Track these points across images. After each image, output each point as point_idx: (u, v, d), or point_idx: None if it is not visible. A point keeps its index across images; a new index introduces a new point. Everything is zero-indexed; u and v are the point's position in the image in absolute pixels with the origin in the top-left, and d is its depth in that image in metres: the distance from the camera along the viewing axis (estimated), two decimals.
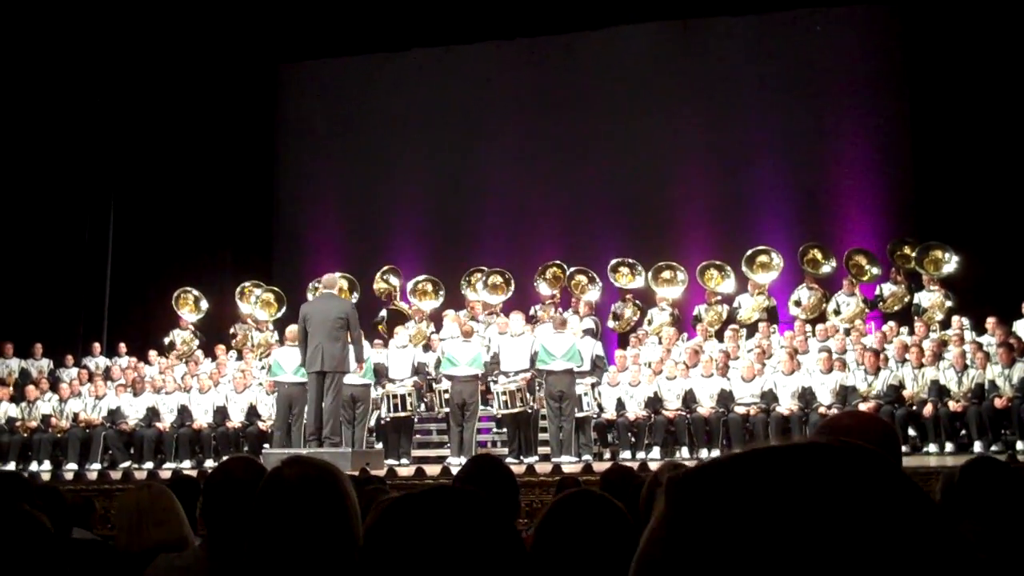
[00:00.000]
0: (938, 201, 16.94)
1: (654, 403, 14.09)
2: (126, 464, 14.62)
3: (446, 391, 14.20)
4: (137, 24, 18.22)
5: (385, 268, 17.49)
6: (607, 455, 14.04)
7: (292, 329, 14.56)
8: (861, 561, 0.87)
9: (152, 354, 17.03)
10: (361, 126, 19.90)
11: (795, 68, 18.43)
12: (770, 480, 0.92)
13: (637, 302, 16.66)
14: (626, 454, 13.72)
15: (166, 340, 17.53)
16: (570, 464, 12.33)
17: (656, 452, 13.72)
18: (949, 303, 15.09)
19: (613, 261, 16.77)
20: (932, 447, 12.76)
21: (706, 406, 13.88)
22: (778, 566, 0.88)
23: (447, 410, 14.17)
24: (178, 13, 18.20)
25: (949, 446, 12.70)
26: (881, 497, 0.91)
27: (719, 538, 0.91)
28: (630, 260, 16.80)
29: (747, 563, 0.89)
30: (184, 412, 15.34)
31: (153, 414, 15.42)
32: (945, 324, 14.85)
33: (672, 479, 0.98)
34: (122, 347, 17.55)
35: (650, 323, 16.27)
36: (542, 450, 13.94)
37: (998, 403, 12.47)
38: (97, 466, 14.53)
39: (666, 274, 16.59)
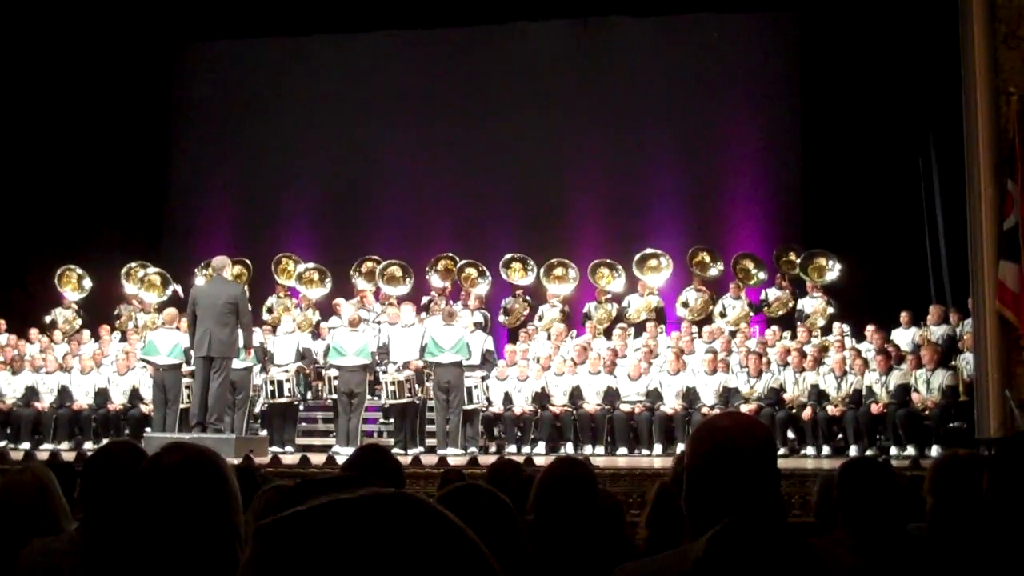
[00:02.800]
0: (824, 209, 17.31)
1: (541, 398, 14.19)
2: (1, 444, 14.26)
3: (336, 379, 14.12)
4: None
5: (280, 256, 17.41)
6: (492, 448, 14.11)
7: (170, 312, 14.38)
8: None
9: (33, 332, 16.62)
10: (258, 110, 19.64)
11: (692, 72, 18.64)
12: (336, 532, 1.06)
13: (527, 297, 16.74)
14: (511, 448, 13.80)
15: (47, 318, 17.12)
16: (456, 457, 12.36)
17: (541, 447, 13.80)
18: (831, 310, 15.45)
19: (506, 256, 16.84)
20: (810, 450, 13.07)
21: (592, 403, 14.00)
22: None
23: (335, 397, 14.10)
24: None
25: (826, 449, 13.04)
26: (428, 543, 1.07)
27: None
28: (522, 256, 16.89)
29: None
30: (64, 392, 15.03)
31: (32, 393, 15.08)
32: (826, 330, 15.20)
33: (259, 527, 1.11)
34: (1, 324, 17.05)
35: (540, 319, 16.36)
36: (428, 442, 13.94)
37: (874, 409, 12.80)
38: None
39: (558, 271, 16.70)
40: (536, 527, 3.43)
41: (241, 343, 12.51)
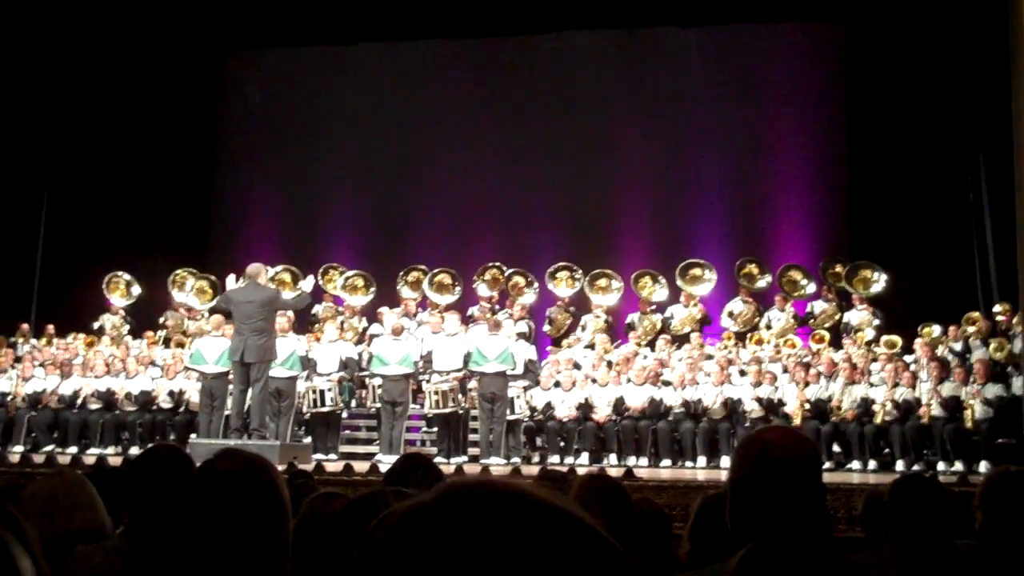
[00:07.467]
0: (871, 221, 17.18)
1: (584, 408, 14.14)
2: (49, 448, 14.39)
3: (379, 387, 14.16)
4: (80, 8, 17.89)
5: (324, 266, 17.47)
6: (536, 459, 14.08)
7: (216, 318, 14.44)
8: None
9: (81, 337, 16.75)
10: (304, 118, 19.73)
11: (738, 82, 18.55)
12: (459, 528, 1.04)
13: (571, 307, 16.70)
14: (555, 458, 13.76)
15: (95, 324, 17.27)
16: (499, 466, 12.35)
17: (585, 457, 13.76)
18: (877, 321, 15.31)
19: (554, 266, 16.82)
20: (855, 464, 12.93)
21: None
22: None
23: (378, 405, 14.14)
24: None
25: (872, 463, 12.89)
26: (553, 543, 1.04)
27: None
28: (569, 265, 16.85)
29: None
30: (110, 397, 15.12)
31: (79, 398, 15.18)
32: (873, 342, 15.05)
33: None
34: (50, 329, 17.22)
35: (584, 329, 16.31)
36: (471, 451, 13.95)
37: (922, 412, 12.65)
38: (20, 449, 14.29)
39: (601, 282, 16.65)
40: None
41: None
